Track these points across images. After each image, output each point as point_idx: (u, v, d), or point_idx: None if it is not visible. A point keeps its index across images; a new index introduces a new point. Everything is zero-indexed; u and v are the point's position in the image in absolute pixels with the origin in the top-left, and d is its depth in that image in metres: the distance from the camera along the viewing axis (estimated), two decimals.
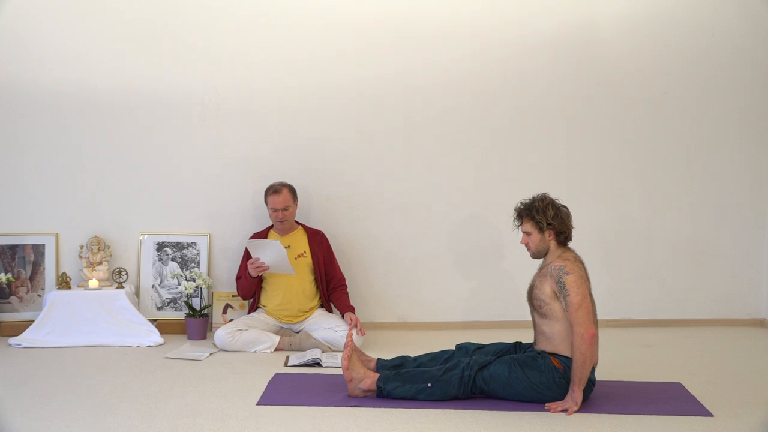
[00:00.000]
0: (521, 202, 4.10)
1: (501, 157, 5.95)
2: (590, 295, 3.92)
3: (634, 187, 6.04)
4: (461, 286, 5.97)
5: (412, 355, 4.39)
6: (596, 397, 4.01)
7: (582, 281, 3.86)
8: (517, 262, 5.88)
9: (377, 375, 4.04)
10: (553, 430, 3.59)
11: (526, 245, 4.09)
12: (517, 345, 4.22)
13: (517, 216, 4.10)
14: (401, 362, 4.29)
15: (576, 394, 3.82)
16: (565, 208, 4.06)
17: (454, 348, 4.33)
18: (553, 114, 5.96)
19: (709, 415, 3.81)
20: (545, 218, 3.97)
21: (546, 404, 3.87)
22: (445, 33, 5.85)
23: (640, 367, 4.77)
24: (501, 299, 5.97)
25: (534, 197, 4.07)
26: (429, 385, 3.95)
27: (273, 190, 5.32)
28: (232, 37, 5.73)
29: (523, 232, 4.08)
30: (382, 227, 5.90)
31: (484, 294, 5.98)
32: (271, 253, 5.09)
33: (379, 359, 4.33)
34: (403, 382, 3.99)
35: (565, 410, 3.80)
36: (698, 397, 4.11)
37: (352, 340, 4.11)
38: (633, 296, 6.04)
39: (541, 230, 4.00)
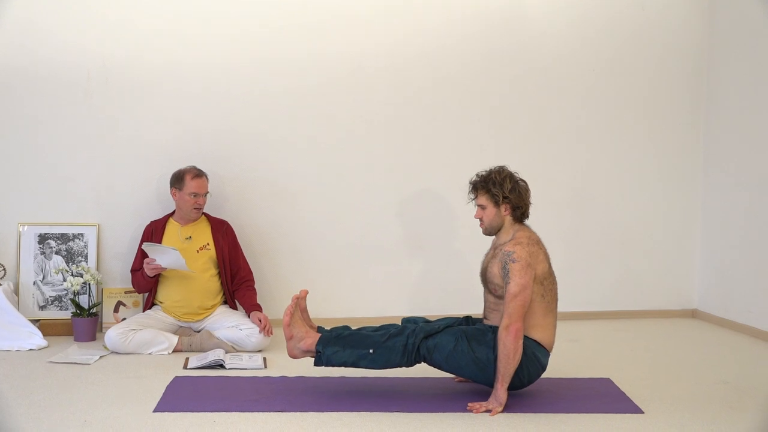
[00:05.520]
0: (477, 174, 4.16)
1: (422, 140, 6.01)
2: (550, 276, 4.10)
3: (560, 171, 6.18)
4: (381, 279, 6.01)
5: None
6: (521, 396, 4.11)
7: (525, 271, 3.93)
8: (441, 253, 5.98)
9: (319, 336, 4.06)
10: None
11: (480, 220, 4.15)
12: (468, 319, 4.28)
13: (472, 188, 4.17)
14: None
15: (500, 393, 3.90)
16: (524, 182, 4.14)
17: (400, 323, 4.29)
18: (477, 95, 6.05)
19: (640, 411, 3.95)
20: (502, 191, 4.04)
21: (468, 405, 3.94)
22: (362, 13, 5.88)
23: (567, 363, 4.86)
24: (424, 294, 6.03)
25: (491, 169, 4.14)
26: (371, 351, 3.98)
27: (195, 174, 5.27)
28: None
29: (478, 205, 4.15)
30: (293, 216, 5.89)
31: (404, 288, 6.03)
32: (168, 259, 5.06)
33: (319, 327, 4.27)
34: (344, 346, 4.01)
35: (488, 411, 3.88)
36: (628, 393, 4.25)
37: (297, 296, 4.11)
38: (558, 287, 6.14)
39: (496, 204, 4.07)
